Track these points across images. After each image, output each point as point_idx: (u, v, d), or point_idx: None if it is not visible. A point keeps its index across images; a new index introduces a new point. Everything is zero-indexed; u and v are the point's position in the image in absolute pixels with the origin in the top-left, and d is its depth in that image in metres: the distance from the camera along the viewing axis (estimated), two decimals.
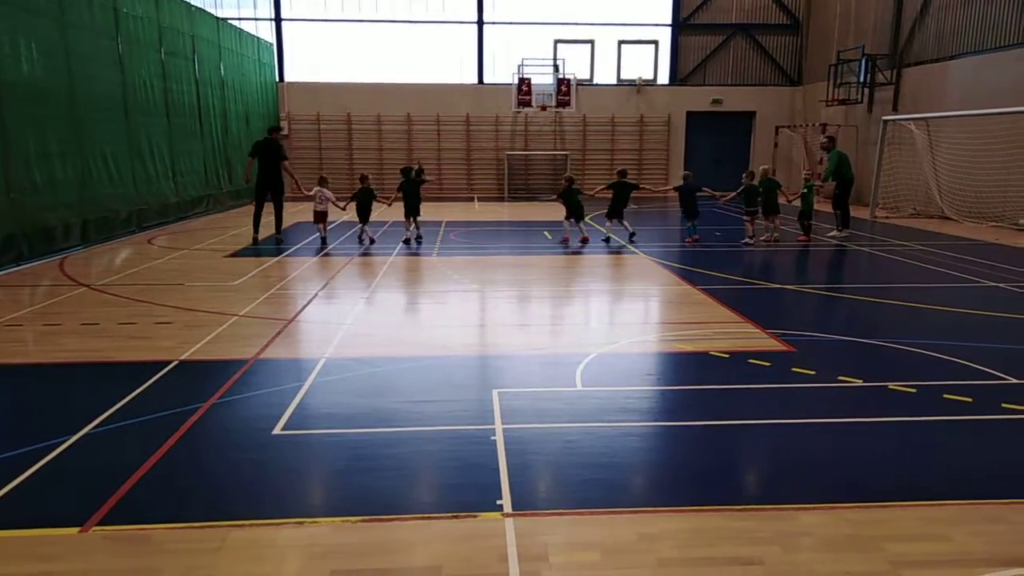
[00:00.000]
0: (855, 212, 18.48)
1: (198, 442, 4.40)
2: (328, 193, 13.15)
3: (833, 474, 4.04)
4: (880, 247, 12.83)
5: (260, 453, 4.26)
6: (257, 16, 24.39)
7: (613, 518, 3.53)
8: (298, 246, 12.78)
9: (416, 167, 21.79)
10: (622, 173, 13.55)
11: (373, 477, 3.94)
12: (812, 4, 24.38)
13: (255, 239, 13.27)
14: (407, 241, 13.16)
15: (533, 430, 4.61)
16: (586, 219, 13.44)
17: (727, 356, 6.20)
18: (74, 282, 9.49)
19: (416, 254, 12.12)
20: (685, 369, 6.04)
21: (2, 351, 6.39)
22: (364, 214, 13.24)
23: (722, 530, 3.42)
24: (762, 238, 13.27)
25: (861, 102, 20.62)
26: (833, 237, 13.96)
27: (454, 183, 24.98)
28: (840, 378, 5.59)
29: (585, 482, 3.90)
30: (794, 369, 5.81)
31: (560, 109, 24.05)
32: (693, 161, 25.31)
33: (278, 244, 12.98)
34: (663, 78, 25.36)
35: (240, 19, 23.04)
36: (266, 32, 24.24)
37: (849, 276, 10.68)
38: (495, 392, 5.25)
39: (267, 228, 13.43)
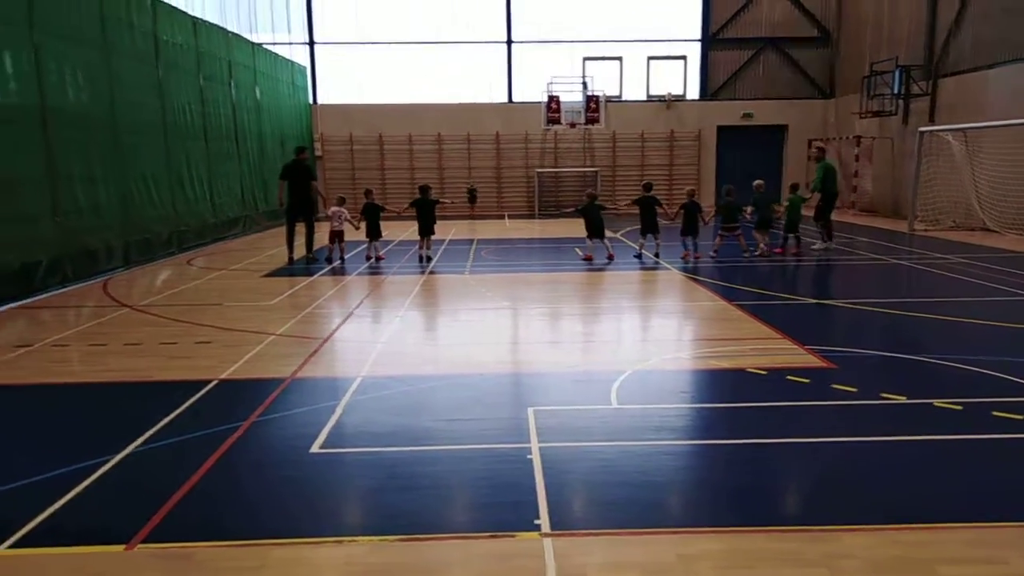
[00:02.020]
0: (892, 225, 18.21)
1: (238, 460, 4.46)
2: (345, 212, 13.28)
3: (878, 494, 3.94)
4: (919, 260, 12.58)
5: (298, 471, 4.29)
6: (292, 40, 24.91)
7: (652, 538, 3.49)
8: (331, 266, 12.93)
9: (470, 187, 21.70)
10: (647, 187, 13.46)
11: (410, 496, 3.95)
12: (843, 16, 24.17)
13: (290, 259, 13.47)
14: (421, 259, 13.27)
15: (569, 448, 4.58)
16: (616, 235, 13.41)
17: (764, 373, 6.11)
18: (117, 303, 9.72)
19: (448, 272, 12.19)
20: (722, 386, 5.96)
21: (49, 370, 6.56)
22: (373, 230, 13.35)
23: (764, 552, 3.36)
24: (756, 252, 13.19)
25: (896, 114, 20.31)
26: (816, 250, 13.90)
27: (484, 201, 25.11)
28: (882, 395, 5.47)
29: (623, 501, 3.86)
30: (834, 386, 5.70)
31: (589, 126, 24.10)
32: (725, 176, 25.08)
33: (309, 264, 13.15)
34: (693, 93, 25.29)
35: (275, 44, 23.51)
36: (300, 56, 24.72)
37: (888, 290, 10.46)
38: (530, 410, 5.23)
39: (301, 248, 13.62)
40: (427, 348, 7.51)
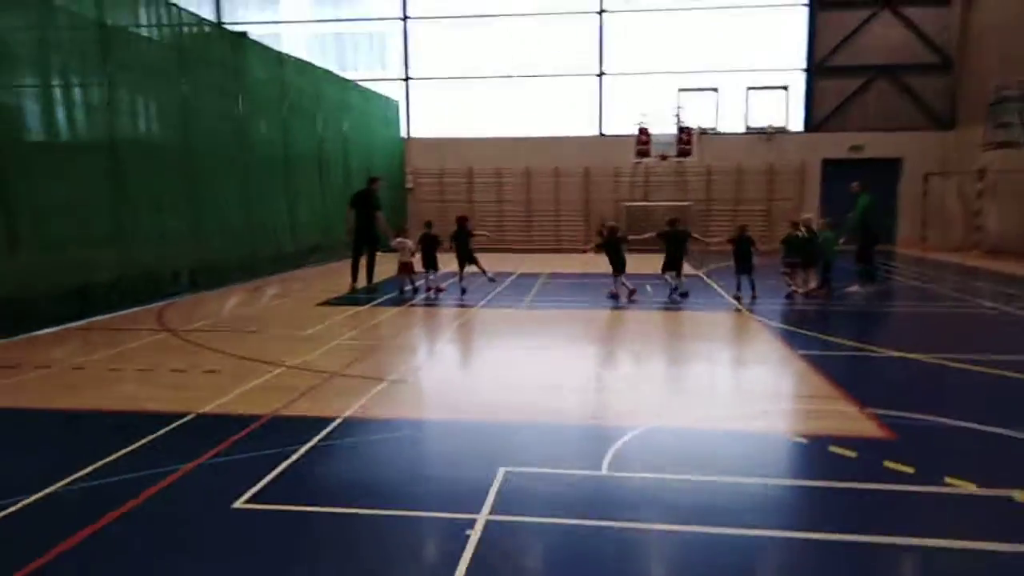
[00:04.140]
0: (1021, 269, 16.03)
1: (147, 513, 3.98)
2: (409, 243, 13.00)
3: None
4: None
5: (202, 531, 3.77)
6: (387, 76, 25.42)
7: None
8: (388, 296, 12.63)
9: (608, 225, 20.73)
10: (673, 221, 12.63)
11: (304, 572, 3.32)
12: (966, 41, 22.04)
13: (352, 288, 13.35)
14: (463, 291, 12.82)
15: (522, 524, 3.82)
16: (698, 272, 12.43)
17: (805, 442, 5.08)
18: (162, 328, 9.75)
19: (503, 307, 11.58)
20: (743, 456, 4.95)
21: (44, 395, 6.45)
22: (430, 261, 12.99)
23: None
24: (800, 291, 11.94)
25: None
26: (854, 293, 12.27)
27: (571, 234, 24.50)
28: (947, 480, 4.34)
29: None
30: (887, 463, 4.61)
31: (682, 159, 23.06)
32: (831, 212, 23.32)
33: (369, 294, 12.94)
34: (796, 125, 23.75)
35: (371, 80, 23.97)
36: (393, 90, 25.10)
37: (996, 345, 8.85)
38: (501, 471, 4.49)
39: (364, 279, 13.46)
40: (429, 389, 6.90)
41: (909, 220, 22.94)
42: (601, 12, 24.24)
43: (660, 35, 24.17)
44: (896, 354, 7.94)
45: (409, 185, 25.33)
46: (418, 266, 13.24)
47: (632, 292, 12.02)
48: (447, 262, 13.45)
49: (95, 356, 8.04)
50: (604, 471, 4.55)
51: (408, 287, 13.07)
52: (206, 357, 7.89)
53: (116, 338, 9.11)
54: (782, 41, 23.63)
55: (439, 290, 13.06)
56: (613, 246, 12.18)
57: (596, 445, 4.97)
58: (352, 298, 12.52)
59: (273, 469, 4.55)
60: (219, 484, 4.35)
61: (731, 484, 4.42)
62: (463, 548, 3.52)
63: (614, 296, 12.11)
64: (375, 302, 12.07)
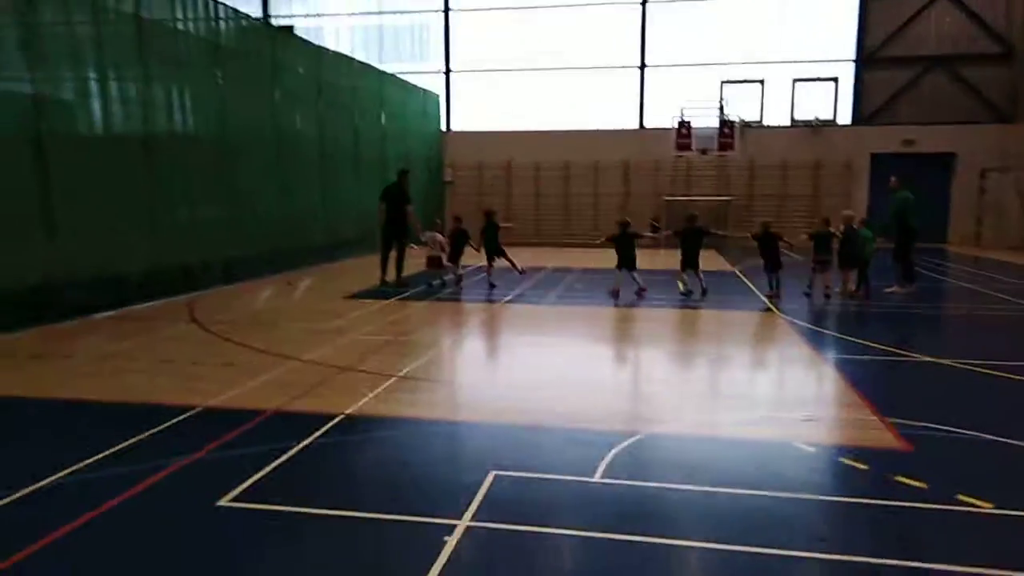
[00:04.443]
0: None
1: (131, 508, 3.99)
2: (440, 238, 13.06)
3: None
4: None
5: (182, 528, 3.77)
6: (427, 69, 25.41)
7: None
8: (416, 290, 12.63)
9: (652, 222, 20.59)
10: (691, 218, 12.38)
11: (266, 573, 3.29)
12: None
13: (382, 280, 13.39)
14: (491, 286, 12.85)
15: (504, 533, 3.71)
16: (735, 269, 12.12)
17: (812, 450, 4.85)
18: (190, 320, 9.91)
19: (527, 303, 11.47)
20: (745, 465, 4.73)
21: (55, 384, 6.59)
22: (455, 254, 13.11)
23: None
24: (836, 289, 11.60)
25: None
26: (893, 294, 11.72)
27: (610, 228, 24.16)
28: (960, 498, 4.08)
29: None
30: (898, 478, 4.37)
31: (725, 153, 22.51)
32: (879, 208, 22.52)
33: (398, 288, 12.96)
34: (844, 118, 22.98)
35: (411, 73, 23.97)
36: (434, 83, 25.08)
37: None
38: (491, 474, 4.39)
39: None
40: (435, 387, 6.83)
41: (963, 217, 22.03)
42: (644, 3, 23.82)
43: (704, 26, 23.64)
44: (929, 359, 7.57)
45: (448, 179, 25.33)
46: (446, 260, 13.31)
47: (618, 292, 11.83)
48: (478, 257, 13.45)
49: (119, 346, 8.21)
50: (597, 478, 4.41)
51: (436, 281, 13.12)
52: (225, 350, 7.99)
53: (143, 328, 9.30)
54: (831, 32, 22.88)
55: (459, 280, 13.11)
56: (625, 241, 11.95)
57: (593, 450, 4.82)
58: (380, 292, 12.55)
59: (264, 467, 4.54)
60: (209, 480, 4.35)
61: (727, 496, 4.22)
62: (437, 555, 3.44)
63: (640, 292, 11.86)
64: (402, 296, 12.08)
